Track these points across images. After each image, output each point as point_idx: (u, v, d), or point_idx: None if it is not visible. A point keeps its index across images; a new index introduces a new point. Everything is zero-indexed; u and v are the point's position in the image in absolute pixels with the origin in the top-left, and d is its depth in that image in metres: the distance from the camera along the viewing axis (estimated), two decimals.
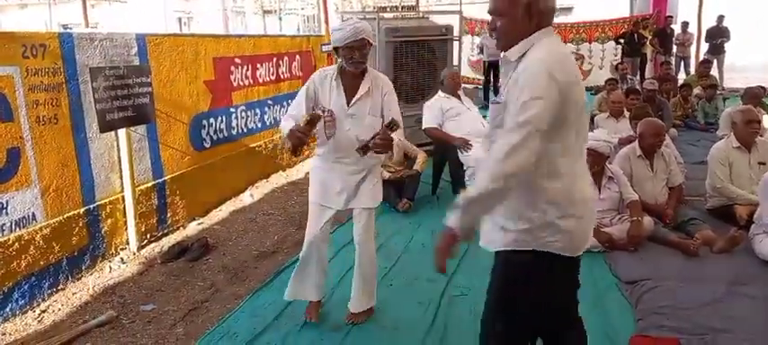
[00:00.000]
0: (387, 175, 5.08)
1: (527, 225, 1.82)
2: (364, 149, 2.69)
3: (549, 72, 1.66)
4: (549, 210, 1.79)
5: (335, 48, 2.80)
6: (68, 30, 4.47)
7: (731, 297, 3.22)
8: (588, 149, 4.00)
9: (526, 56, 1.76)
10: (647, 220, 4.00)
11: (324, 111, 2.83)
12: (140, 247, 4.26)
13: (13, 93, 3.37)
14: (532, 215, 1.81)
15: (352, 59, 2.75)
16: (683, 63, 12.95)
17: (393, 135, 2.65)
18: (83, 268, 3.89)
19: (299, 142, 2.61)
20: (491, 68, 11.27)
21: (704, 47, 12.71)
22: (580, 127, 1.81)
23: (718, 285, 3.35)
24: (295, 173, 6.55)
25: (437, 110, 5.11)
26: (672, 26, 12.45)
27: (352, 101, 2.84)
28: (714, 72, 10.65)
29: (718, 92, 8.63)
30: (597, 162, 4.01)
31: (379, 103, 2.89)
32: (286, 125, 2.77)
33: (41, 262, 3.56)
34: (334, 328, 3.10)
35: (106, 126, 3.90)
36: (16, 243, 3.39)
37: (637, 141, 4.50)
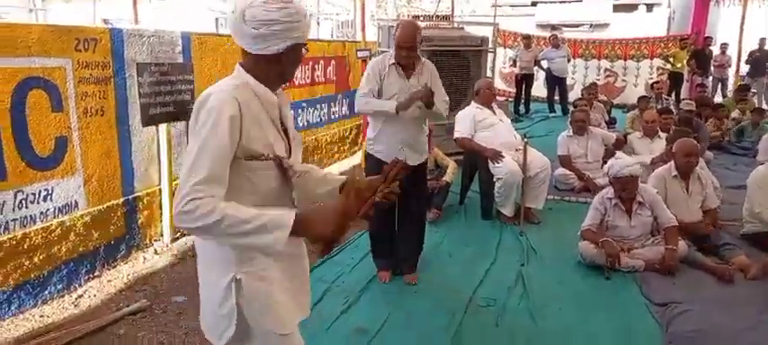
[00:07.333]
0: None
1: None
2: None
3: None
4: None
5: (276, 55, 1.59)
6: (116, 26, 4.62)
7: (764, 325, 3.15)
8: (620, 177, 3.91)
9: None
10: (682, 244, 3.93)
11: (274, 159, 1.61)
12: (173, 239, 4.36)
13: (65, 85, 3.50)
14: None
15: None
16: (720, 85, 12.73)
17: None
18: (118, 257, 4.00)
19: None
20: (523, 81, 11.23)
21: (744, 69, 12.46)
22: None
23: (752, 312, 3.29)
24: (337, 168, 6.64)
25: (470, 121, 5.10)
26: (710, 47, 12.24)
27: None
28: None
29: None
30: (629, 187, 3.93)
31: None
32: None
33: (80, 249, 3.68)
34: (364, 330, 3.14)
35: (148, 120, 4.02)
36: (58, 229, 3.51)
37: (672, 161, 4.43)
